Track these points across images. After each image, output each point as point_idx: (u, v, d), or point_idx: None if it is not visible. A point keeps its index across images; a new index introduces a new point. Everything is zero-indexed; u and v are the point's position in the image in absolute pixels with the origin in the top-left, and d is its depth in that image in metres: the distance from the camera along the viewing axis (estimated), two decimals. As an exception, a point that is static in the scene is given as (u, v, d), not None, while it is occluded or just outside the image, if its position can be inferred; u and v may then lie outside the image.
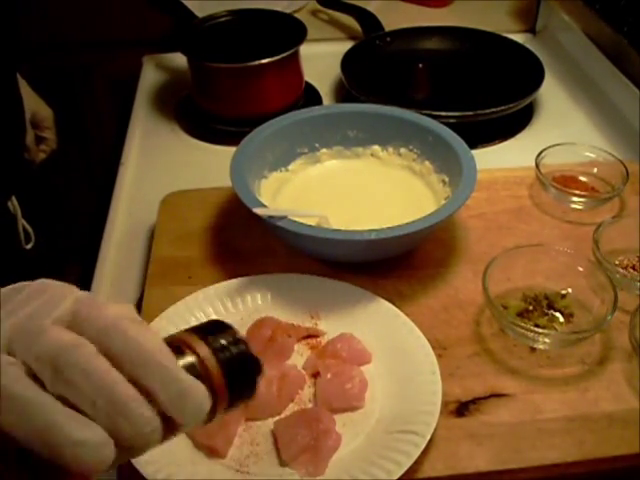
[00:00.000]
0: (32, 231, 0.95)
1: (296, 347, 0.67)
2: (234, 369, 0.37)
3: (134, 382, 0.33)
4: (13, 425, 0.31)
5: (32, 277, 0.39)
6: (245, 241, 0.79)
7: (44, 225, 1.01)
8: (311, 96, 1.09)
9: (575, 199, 0.83)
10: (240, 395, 0.38)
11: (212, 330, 0.38)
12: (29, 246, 0.95)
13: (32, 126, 0.97)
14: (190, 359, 0.36)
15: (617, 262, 0.75)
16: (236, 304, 0.70)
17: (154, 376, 0.33)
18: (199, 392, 0.35)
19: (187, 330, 0.38)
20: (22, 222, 0.93)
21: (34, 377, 0.33)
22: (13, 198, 0.91)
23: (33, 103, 0.96)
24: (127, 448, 0.33)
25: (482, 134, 1.00)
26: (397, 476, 0.54)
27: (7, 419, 0.32)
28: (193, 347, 0.36)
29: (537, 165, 0.84)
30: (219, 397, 0.36)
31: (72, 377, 0.32)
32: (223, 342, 0.37)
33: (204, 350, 0.36)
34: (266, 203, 0.72)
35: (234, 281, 0.71)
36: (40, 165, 1.02)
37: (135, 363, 0.33)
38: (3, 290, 0.36)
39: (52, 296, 0.36)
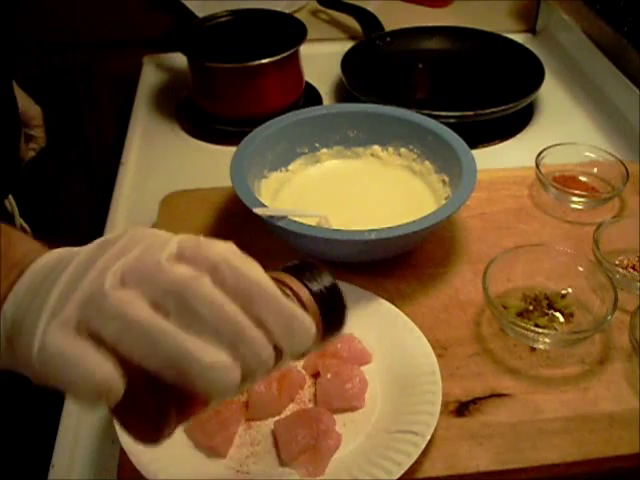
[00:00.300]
0: (30, 230, 0.94)
1: (296, 347, 0.67)
2: (328, 307, 0.40)
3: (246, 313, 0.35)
4: (143, 355, 0.33)
5: None
6: (245, 241, 0.78)
7: (42, 224, 1.01)
8: (311, 96, 1.09)
9: (575, 199, 0.83)
10: (333, 328, 0.41)
11: (304, 269, 0.41)
12: None
13: (21, 124, 0.96)
14: (289, 297, 0.39)
15: (617, 262, 0.75)
16: (236, 304, 0.70)
17: (267, 306, 0.36)
18: (306, 319, 0.37)
19: (283, 269, 0.41)
20: (20, 221, 0.93)
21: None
22: (10, 197, 0.91)
23: (21, 101, 0.95)
24: (245, 376, 0.35)
25: (482, 134, 0.99)
26: (397, 476, 0.54)
27: (137, 350, 0.33)
28: (291, 286, 0.39)
29: (537, 165, 0.84)
30: (317, 332, 0.39)
31: (197, 307, 0.34)
32: (318, 281, 0.40)
33: (302, 290, 0.39)
34: (266, 203, 0.72)
35: (234, 281, 0.71)
36: (39, 165, 1.02)
37: (248, 294, 0.35)
38: (93, 244, 0.38)
39: (155, 238, 0.38)
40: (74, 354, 0.33)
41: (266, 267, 0.78)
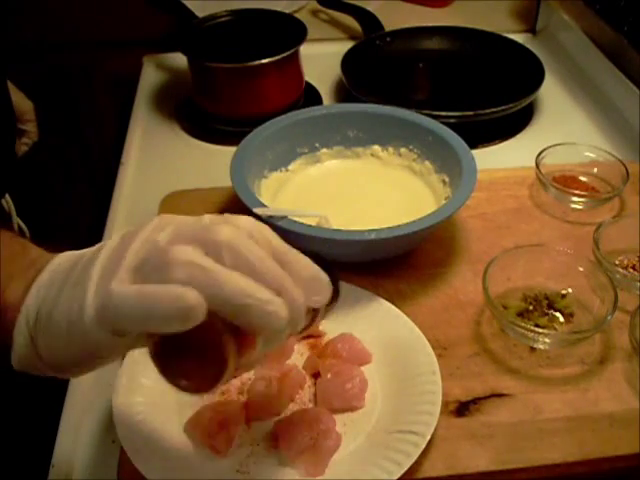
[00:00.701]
0: (27, 229, 0.94)
1: (296, 347, 0.67)
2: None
3: None
4: (209, 295, 0.37)
5: None
6: (245, 241, 0.79)
7: (42, 225, 1.00)
8: (311, 96, 1.09)
9: (575, 199, 0.83)
10: (333, 299, 0.46)
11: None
12: None
13: None
14: None
15: (617, 262, 0.75)
16: (236, 304, 0.70)
17: (296, 261, 0.41)
18: (325, 275, 0.43)
19: None
20: (17, 221, 0.93)
21: None
22: (7, 197, 0.91)
23: (14, 96, 0.95)
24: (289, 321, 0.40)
25: (482, 134, 0.99)
26: (397, 476, 0.54)
27: (205, 291, 0.36)
28: None
29: (537, 165, 0.84)
30: None
31: (249, 258, 0.39)
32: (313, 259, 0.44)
33: None
34: (266, 203, 0.72)
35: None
36: (38, 164, 1.02)
37: (279, 253, 0.41)
38: (115, 237, 0.42)
39: (186, 217, 0.42)
40: (155, 289, 0.37)
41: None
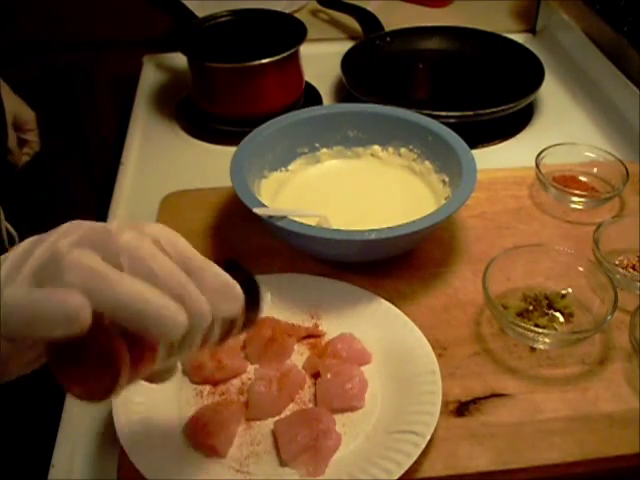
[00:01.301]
0: (16, 234, 0.93)
1: (296, 347, 0.67)
2: (247, 293, 0.42)
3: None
4: (102, 300, 0.36)
5: None
6: (245, 241, 0.79)
7: (42, 225, 1.00)
8: (311, 96, 1.09)
9: (575, 199, 0.83)
10: (253, 314, 0.45)
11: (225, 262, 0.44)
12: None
13: (14, 128, 0.96)
14: None
15: (617, 262, 0.75)
16: (236, 304, 0.70)
17: (203, 269, 0.40)
18: (237, 286, 0.41)
19: None
20: (5, 224, 0.92)
21: None
22: None
23: (15, 105, 0.95)
24: (190, 329, 0.39)
25: (482, 134, 0.99)
26: (397, 476, 0.54)
27: (96, 296, 0.36)
28: None
29: (537, 165, 0.84)
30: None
31: (149, 263, 0.38)
32: (238, 270, 0.43)
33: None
34: (266, 203, 0.72)
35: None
36: (38, 164, 1.02)
37: (186, 260, 0.40)
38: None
39: (95, 223, 0.42)
40: (41, 293, 0.36)
41: (266, 267, 0.79)
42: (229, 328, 0.43)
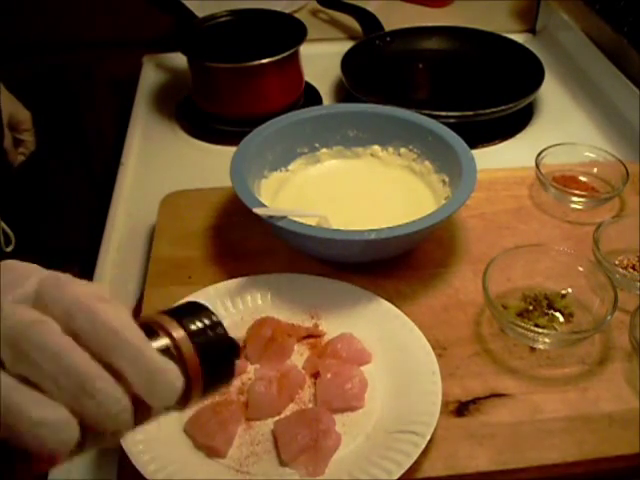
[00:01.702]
0: (12, 234, 0.93)
1: (296, 347, 0.67)
2: (210, 353, 0.35)
3: (103, 362, 0.32)
4: None
5: None
6: (245, 241, 0.79)
7: (42, 225, 1.00)
8: (311, 96, 1.09)
9: (575, 199, 0.83)
10: (216, 380, 0.37)
11: (188, 312, 0.36)
12: (9, 249, 0.92)
13: (10, 129, 0.96)
14: (164, 342, 0.35)
15: (617, 262, 0.75)
16: (236, 304, 0.70)
17: (122, 353, 0.32)
18: (170, 372, 0.33)
19: (162, 312, 0.37)
20: (2, 225, 0.92)
21: None
22: None
23: (10, 105, 0.95)
24: (97, 431, 0.32)
25: (482, 134, 1.00)
26: (397, 476, 0.54)
27: None
28: (167, 329, 0.35)
29: (537, 165, 0.84)
30: (194, 382, 0.35)
31: (33, 355, 0.31)
32: (199, 325, 0.36)
33: (179, 332, 0.35)
34: (266, 203, 0.72)
35: (234, 281, 0.71)
36: (37, 165, 1.02)
37: (102, 341, 0.32)
38: None
39: (16, 276, 0.35)
40: None
41: (266, 267, 0.78)
42: (148, 413, 0.35)
